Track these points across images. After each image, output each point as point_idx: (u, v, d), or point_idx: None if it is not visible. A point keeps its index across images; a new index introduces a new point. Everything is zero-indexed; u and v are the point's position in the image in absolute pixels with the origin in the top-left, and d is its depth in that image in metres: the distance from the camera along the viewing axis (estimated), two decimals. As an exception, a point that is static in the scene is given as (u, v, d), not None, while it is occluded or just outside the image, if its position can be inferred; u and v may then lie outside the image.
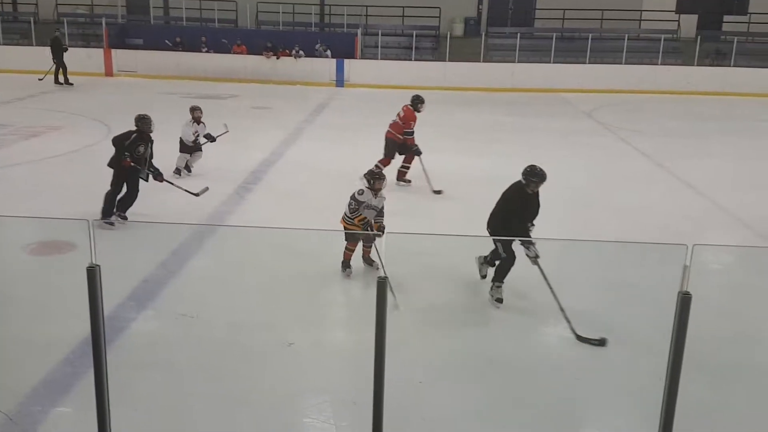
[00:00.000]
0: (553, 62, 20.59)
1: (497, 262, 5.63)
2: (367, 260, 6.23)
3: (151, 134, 7.44)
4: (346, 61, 20.69)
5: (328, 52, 20.97)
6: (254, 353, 4.76)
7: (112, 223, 7.22)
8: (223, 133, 9.56)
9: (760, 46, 20.60)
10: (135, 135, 7.31)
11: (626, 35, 20.62)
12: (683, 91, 19.35)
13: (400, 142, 9.20)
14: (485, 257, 5.90)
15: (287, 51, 20.70)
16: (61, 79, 18.61)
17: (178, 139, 9.31)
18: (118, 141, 7.32)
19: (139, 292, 5.60)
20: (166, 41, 21.24)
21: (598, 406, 4.42)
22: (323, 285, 5.95)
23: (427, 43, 22.24)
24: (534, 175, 5.47)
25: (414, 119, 9.26)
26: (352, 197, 6.02)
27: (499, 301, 5.48)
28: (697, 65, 20.21)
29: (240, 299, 5.62)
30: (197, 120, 9.32)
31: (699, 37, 20.76)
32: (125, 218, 7.32)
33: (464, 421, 4.06)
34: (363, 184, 6.09)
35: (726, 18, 22.51)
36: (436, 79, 20.00)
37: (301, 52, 20.70)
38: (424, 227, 7.32)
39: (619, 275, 6.13)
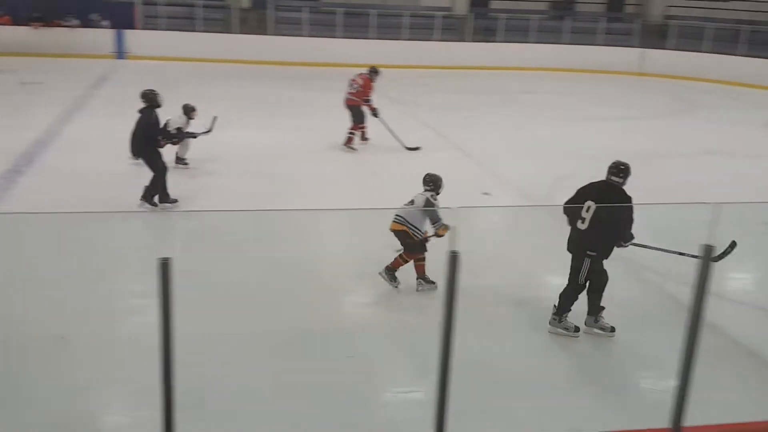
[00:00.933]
0: (341, 37, 21.03)
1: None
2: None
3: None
4: (126, 31, 19.40)
5: (107, 22, 19.54)
6: (26, 349, 4.48)
7: (175, 200, 7.38)
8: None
9: (524, 23, 22.72)
10: (156, 114, 7.28)
11: (407, 12, 21.62)
12: (459, 66, 20.78)
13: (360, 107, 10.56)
14: None
15: (58, 22, 18.93)
16: None
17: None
18: (155, 128, 7.29)
19: None
20: None
21: (383, 364, 4.81)
22: (102, 276, 5.68)
23: (214, 14, 21.53)
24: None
25: (372, 88, 10.74)
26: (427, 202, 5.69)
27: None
28: (471, 41, 21.82)
29: (7, 293, 5.20)
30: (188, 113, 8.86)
31: (472, 14, 22.38)
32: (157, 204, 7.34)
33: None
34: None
35: (494, -4, 24.45)
36: (224, 52, 19.54)
37: (74, 22, 19.05)
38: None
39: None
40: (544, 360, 4.91)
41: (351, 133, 10.61)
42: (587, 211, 4.99)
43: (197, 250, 5.88)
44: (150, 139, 7.24)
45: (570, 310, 5.14)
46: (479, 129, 12.78)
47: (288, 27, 21.35)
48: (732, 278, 6.30)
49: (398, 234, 5.65)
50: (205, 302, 5.13)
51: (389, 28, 21.57)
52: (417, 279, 5.72)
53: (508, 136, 12.30)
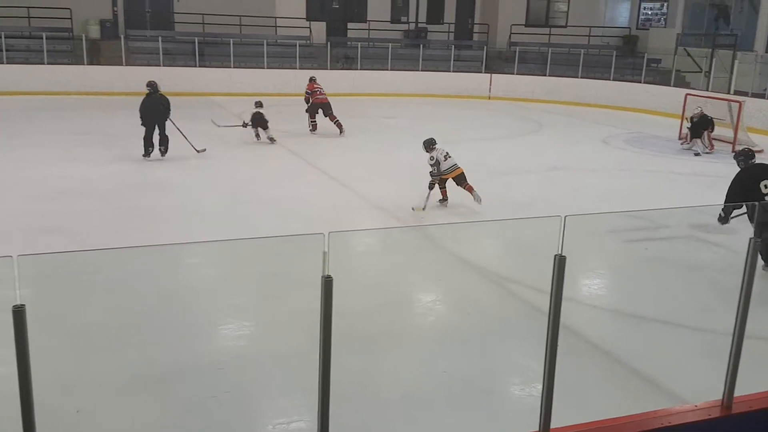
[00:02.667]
0: (199, 66, 20.70)
1: None
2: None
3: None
4: (-40, 66, 18.02)
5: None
6: None
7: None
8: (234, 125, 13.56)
9: (379, 50, 23.47)
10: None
11: (265, 41, 21.68)
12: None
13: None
14: None
15: None
16: None
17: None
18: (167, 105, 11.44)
19: None
20: None
21: (258, 391, 4.76)
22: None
23: (61, 45, 20.44)
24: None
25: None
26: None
27: None
28: (330, 69, 22.21)
29: None
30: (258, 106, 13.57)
31: (329, 42, 22.80)
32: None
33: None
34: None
35: (350, 26, 25.08)
36: (73, 84, 18.69)
37: None
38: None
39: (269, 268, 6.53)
40: (425, 373, 5.06)
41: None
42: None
43: (55, 294, 5.53)
44: (167, 111, 11.40)
45: None
46: (345, 154, 13.01)
47: (141, 57, 20.72)
48: (585, 284, 6.82)
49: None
50: (63, 348, 4.84)
51: (249, 56, 21.50)
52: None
53: (373, 159, 12.61)
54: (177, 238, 7.40)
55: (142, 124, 11.33)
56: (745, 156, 7.77)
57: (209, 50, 21.43)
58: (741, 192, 7.19)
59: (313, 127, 15.03)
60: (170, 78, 19.97)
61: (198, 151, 11.77)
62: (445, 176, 9.31)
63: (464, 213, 9.28)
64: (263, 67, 21.30)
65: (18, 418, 2.71)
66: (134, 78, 19.63)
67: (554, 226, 3.36)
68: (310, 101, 15.08)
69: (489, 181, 10.83)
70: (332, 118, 14.85)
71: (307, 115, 15.18)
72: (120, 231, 7.81)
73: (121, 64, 20.04)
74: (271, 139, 13.46)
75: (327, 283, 3.16)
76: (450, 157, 9.34)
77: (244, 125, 13.44)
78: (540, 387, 3.50)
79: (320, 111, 14.89)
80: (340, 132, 14.80)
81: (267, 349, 5.39)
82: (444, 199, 9.45)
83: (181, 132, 11.57)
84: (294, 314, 5.61)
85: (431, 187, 9.21)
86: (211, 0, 22.51)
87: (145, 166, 11.06)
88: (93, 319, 5.42)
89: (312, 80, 15.49)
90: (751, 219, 6.96)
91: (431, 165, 9.23)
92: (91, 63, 19.51)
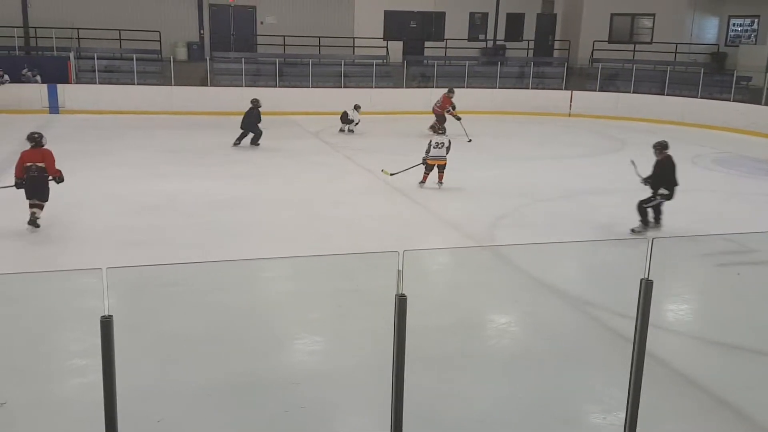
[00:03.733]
0: (279, 86, 21.23)
1: None
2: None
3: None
4: (59, 86, 19.10)
5: (38, 77, 19.19)
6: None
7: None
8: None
9: (456, 68, 23.43)
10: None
11: (342, 61, 22.04)
12: (396, 111, 21.18)
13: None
14: None
15: (-12, 78, 18.57)
16: None
17: None
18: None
19: None
20: None
21: (331, 409, 4.74)
22: (41, 336, 5.50)
23: (150, 66, 21.44)
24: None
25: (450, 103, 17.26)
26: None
27: None
28: (406, 87, 22.33)
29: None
30: (355, 108, 17.25)
31: (405, 61, 22.95)
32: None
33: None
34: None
35: (427, 44, 25.19)
36: (161, 104, 19.48)
37: (6, 77, 18.65)
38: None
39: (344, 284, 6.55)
40: (499, 397, 4.93)
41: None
42: None
43: (139, 304, 5.71)
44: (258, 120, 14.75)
45: None
46: (420, 171, 12.98)
47: (225, 78, 21.45)
48: (671, 309, 6.51)
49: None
50: (146, 358, 4.98)
51: (327, 76, 21.90)
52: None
53: (451, 177, 12.53)
54: (254, 254, 7.55)
55: (240, 128, 14.83)
56: (661, 147, 9.41)
57: (289, 70, 21.95)
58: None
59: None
60: (251, 97, 20.60)
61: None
62: (430, 161, 11.03)
63: (540, 233, 9.07)
64: (340, 87, 21.62)
65: (102, 425, 2.80)
66: (218, 98, 20.39)
67: (640, 249, 3.21)
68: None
69: (569, 200, 10.58)
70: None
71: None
72: (201, 245, 8.03)
73: (206, 85, 20.78)
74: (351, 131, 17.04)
75: (401, 301, 3.14)
76: (440, 148, 11.06)
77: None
78: (623, 416, 3.34)
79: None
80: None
81: (341, 365, 5.38)
82: (422, 181, 11.17)
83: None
84: (368, 332, 5.59)
85: (422, 163, 11.13)
86: (293, 22, 23.12)
87: (225, 183, 11.35)
88: (174, 331, 5.57)
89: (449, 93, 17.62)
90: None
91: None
92: (178, 84, 20.31)
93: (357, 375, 5.11)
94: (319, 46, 23.03)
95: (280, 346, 5.58)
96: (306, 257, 6.70)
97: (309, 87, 21.41)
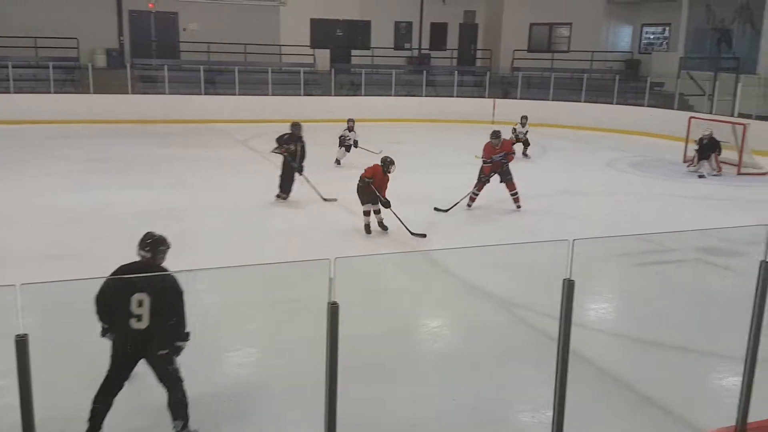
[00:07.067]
0: (205, 94, 20.87)
1: None
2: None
3: (302, 136, 11.09)
4: (-30, 96, 18.24)
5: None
6: None
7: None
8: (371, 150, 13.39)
9: (383, 76, 23.64)
10: (287, 135, 11.03)
11: (269, 68, 21.87)
12: (325, 119, 21.15)
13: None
14: None
15: None
16: None
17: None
18: (278, 138, 11.07)
19: None
20: None
21: (266, 420, 4.70)
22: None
23: (68, 74, 20.67)
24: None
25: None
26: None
27: None
28: (334, 95, 22.35)
29: None
30: (349, 128, 14.26)
31: (333, 69, 22.98)
32: (285, 197, 10.92)
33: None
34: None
35: (354, 52, 25.30)
36: (81, 113, 18.88)
37: None
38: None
39: (281, 294, 6.53)
40: (433, 401, 5.00)
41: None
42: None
43: (60, 322, 5.50)
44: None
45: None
46: (352, 179, 13.01)
47: (147, 85, 20.92)
48: (594, 309, 6.76)
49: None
50: (70, 379, 4.80)
51: (254, 84, 21.67)
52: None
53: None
54: (183, 265, 7.36)
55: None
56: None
57: (215, 78, 21.62)
58: None
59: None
60: (176, 106, 20.20)
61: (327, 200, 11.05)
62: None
63: (471, 238, 9.25)
64: (268, 94, 21.44)
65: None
66: (140, 106, 19.87)
67: (562, 251, 3.33)
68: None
69: (496, 206, 10.82)
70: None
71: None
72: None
73: (127, 93, 20.20)
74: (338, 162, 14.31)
75: (333, 309, 3.14)
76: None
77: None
78: (550, 414, 3.45)
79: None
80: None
81: (274, 376, 5.33)
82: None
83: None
84: (303, 341, 5.56)
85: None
86: (217, 29, 22.77)
87: (153, 194, 11.06)
88: (97, 350, 5.38)
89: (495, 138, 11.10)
90: None
91: None
92: (97, 92, 19.68)
93: (292, 385, 5.07)
94: (245, 53, 22.78)
95: (212, 360, 5.48)
96: (237, 267, 6.59)
97: (236, 95, 21.16)
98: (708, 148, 14.31)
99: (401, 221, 9.04)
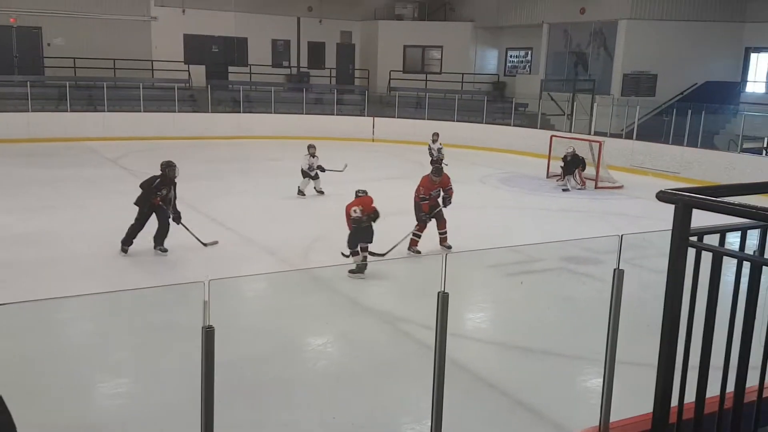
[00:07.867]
0: (71, 111, 19.82)
1: None
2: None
3: (175, 179, 8.77)
4: None
5: None
6: None
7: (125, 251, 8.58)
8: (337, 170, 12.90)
9: (262, 94, 23.47)
10: (159, 179, 8.64)
11: (141, 84, 21.13)
12: (202, 137, 20.70)
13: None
14: None
15: None
16: None
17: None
18: (146, 184, 8.63)
19: None
20: None
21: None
22: None
23: None
24: None
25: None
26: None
27: None
28: (212, 112, 21.92)
29: None
30: (312, 154, 13.06)
31: (209, 86, 22.54)
32: (165, 250, 8.71)
33: None
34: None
35: (231, 69, 24.95)
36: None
37: None
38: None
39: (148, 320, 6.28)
40: (319, 420, 5.00)
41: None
42: None
43: None
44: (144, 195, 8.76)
45: None
46: (229, 197, 12.81)
47: (9, 103, 19.59)
48: (470, 318, 7.04)
49: None
50: None
51: (124, 100, 20.86)
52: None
53: (259, 202, 12.49)
54: (46, 293, 6.95)
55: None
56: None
57: (81, 94, 20.61)
58: None
59: None
60: (39, 124, 19.03)
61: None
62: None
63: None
64: (140, 111, 20.69)
65: None
66: (3, 124, 18.54)
67: (438, 264, 3.47)
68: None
69: (379, 220, 10.98)
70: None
71: None
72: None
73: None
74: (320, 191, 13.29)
75: (208, 333, 3.07)
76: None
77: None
78: (428, 423, 3.56)
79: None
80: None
81: (146, 407, 5.14)
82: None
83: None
84: (176, 369, 5.40)
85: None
86: (84, 44, 21.75)
87: (12, 218, 10.35)
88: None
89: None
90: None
91: None
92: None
93: (164, 416, 4.91)
94: (114, 68, 21.88)
95: (81, 394, 5.20)
96: (105, 293, 6.33)
97: (105, 111, 20.26)
98: (572, 164, 15.31)
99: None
